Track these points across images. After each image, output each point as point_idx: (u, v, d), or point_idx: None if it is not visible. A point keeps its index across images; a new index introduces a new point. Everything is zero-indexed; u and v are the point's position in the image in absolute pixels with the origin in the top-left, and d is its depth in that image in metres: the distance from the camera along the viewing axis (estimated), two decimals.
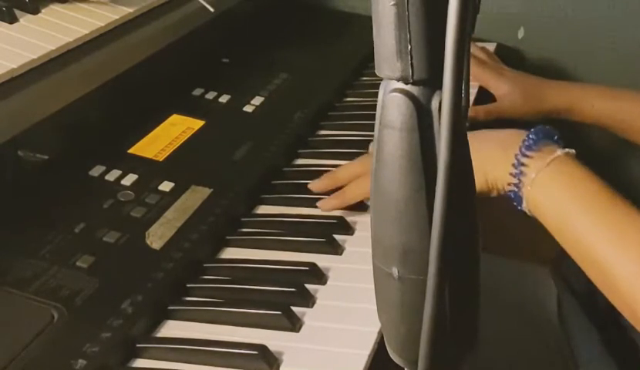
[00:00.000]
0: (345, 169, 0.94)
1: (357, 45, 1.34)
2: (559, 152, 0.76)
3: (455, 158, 0.35)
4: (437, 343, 0.38)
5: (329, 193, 0.93)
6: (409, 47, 0.36)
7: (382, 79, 0.39)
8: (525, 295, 1.03)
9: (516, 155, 0.77)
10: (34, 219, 0.83)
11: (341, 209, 0.91)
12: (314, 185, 0.94)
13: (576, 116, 1.19)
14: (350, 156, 1.04)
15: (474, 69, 1.21)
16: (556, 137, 0.79)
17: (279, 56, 1.28)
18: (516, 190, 0.77)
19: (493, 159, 0.79)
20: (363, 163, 0.93)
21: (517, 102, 1.21)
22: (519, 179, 0.77)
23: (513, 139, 0.79)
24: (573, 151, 0.77)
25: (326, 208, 0.91)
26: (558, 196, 0.75)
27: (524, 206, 0.77)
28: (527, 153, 0.77)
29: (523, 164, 0.77)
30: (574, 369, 0.95)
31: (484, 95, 1.24)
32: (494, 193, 0.81)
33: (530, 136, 0.78)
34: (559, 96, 1.20)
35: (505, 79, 1.22)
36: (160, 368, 0.70)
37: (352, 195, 0.91)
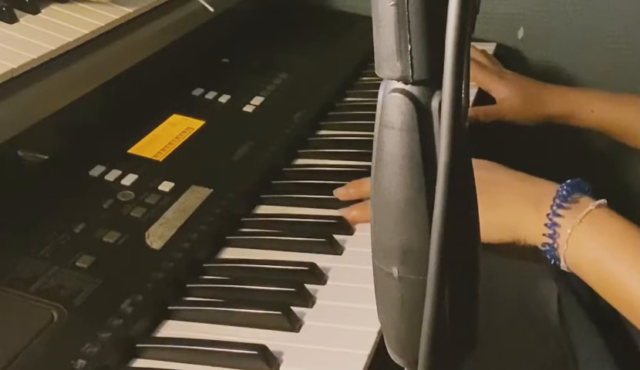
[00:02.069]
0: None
1: (357, 45, 1.34)
2: (591, 206, 0.74)
3: (455, 158, 0.35)
4: (437, 343, 0.38)
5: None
6: (409, 47, 0.36)
7: (382, 79, 0.39)
8: (525, 295, 1.03)
9: (548, 215, 0.75)
10: (34, 219, 0.83)
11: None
12: (339, 192, 0.93)
13: (576, 121, 1.19)
14: (350, 156, 1.04)
15: (475, 72, 1.22)
16: (587, 188, 0.77)
17: (279, 56, 1.28)
18: (551, 249, 0.75)
19: (523, 217, 0.77)
20: None
21: (516, 106, 1.21)
22: (553, 239, 0.75)
23: (543, 194, 0.76)
24: (604, 201, 0.75)
25: (349, 218, 0.89)
26: (596, 251, 0.73)
27: (563, 266, 0.75)
28: (559, 211, 0.74)
29: (556, 224, 0.74)
30: (575, 369, 0.95)
31: (484, 96, 1.24)
32: (520, 245, 0.78)
33: (562, 192, 0.75)
34: (559, 101, 1.20)
35: (505, 82, 1.22)
36: (159, 368, 0.70)
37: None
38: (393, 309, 0.42)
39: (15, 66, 0.85)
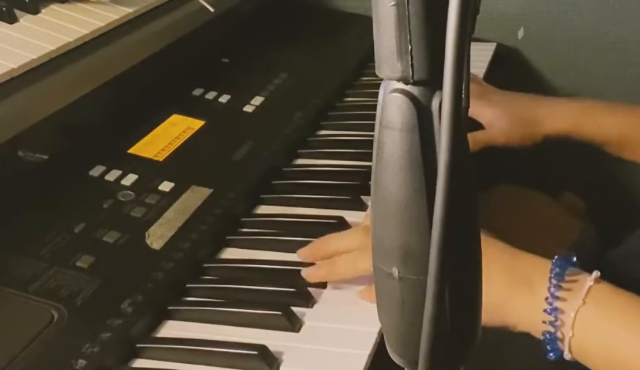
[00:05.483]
0: (338, 239, 0.82)
1: (357, 45, 1.34)
2: (589, 281, 0.68)
3: (455, 158, 0.35)
4: (437, 343, 0.38)
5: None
6: (409, 47, 0.36)
7: (382, 79, 0.39)
8: None
9: (546, 298, 0.68)
10: (34, 219, 0.83)
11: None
12: (302, 252, 0.83)
13: (577, 136, 1.05)
14: (350, 156, 1.04)
15: None
16: (574, 259, 0.71)
17: (279, 56, 1.28)
18: (552, 338, 0.68)
19: (514, 300, 0.70)
20: (358, 237, 0.80)
21: (506, 129, 1.06)
22: (555, 328, 0.68)
23: (535, 271, 0.70)
24: (598, 273, 0.69)
25: (312, 279, 0.79)
26: (608, 333, 0.67)
27: (566, 355, 0.68)
28: (558, 293, 0.68)
29: (557, 308, 0.68)
30: (575, 369, 0.95)
31: None
32: (509, 329, 0.72)
33: (556, 269, 0.69)
34: (557, 117, 1.06)
35: (491, 104, 1.08)
36: (159, 368, 0.70)
37: (341, 270, 0.79)
38: (394, 309, 0.42)
39: (15, 66, 0.85)
